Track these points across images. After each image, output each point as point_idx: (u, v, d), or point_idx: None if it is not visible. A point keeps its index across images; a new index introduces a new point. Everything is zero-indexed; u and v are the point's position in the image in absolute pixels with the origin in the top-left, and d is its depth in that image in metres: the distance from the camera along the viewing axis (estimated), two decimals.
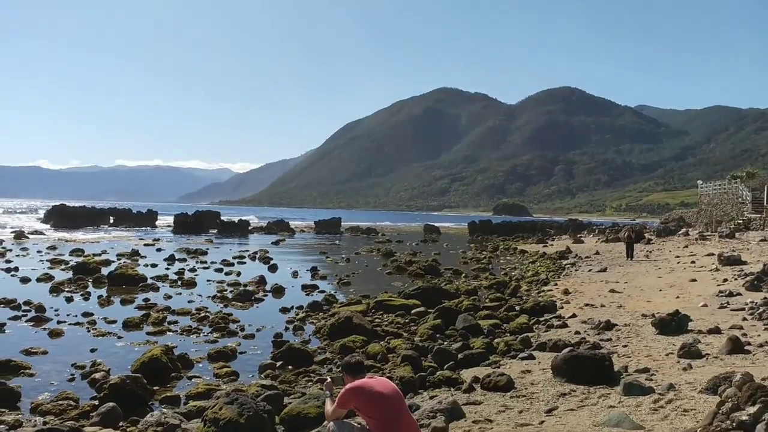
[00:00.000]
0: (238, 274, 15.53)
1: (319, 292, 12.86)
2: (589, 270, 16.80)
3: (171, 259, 18.57)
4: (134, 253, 20.22)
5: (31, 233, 30.40)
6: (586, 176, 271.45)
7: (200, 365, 6.82)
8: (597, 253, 22.73)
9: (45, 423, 4.64)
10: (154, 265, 16.93)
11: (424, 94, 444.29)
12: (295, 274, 16.14)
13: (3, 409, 5.03)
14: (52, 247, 22.33)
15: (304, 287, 13.42)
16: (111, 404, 4.79)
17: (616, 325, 8.32)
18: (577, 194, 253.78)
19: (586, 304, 10.49)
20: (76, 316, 9.33)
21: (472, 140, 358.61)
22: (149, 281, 13.16)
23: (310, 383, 6.11)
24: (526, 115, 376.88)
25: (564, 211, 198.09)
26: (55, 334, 8.10)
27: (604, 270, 16.27)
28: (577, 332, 8.08)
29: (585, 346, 6.88)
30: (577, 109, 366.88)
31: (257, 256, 21.16)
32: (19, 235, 28.11)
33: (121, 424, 4.65)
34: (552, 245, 30.86)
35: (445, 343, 7.58)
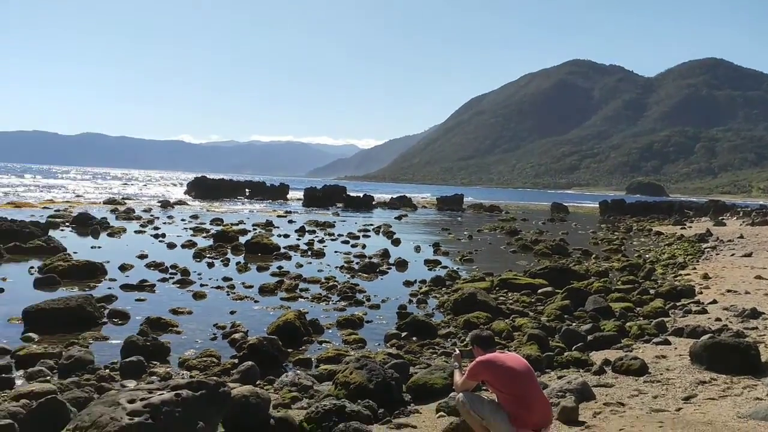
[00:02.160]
0: (364, 246, 15.90)
1: (441, 267, 12.90)
2: (732, 254, 15.65)
3: (301, 231, 19.34)
4: (268, 224, 21.24)
5: (176, 203, 32.70)
6: (730, 154, 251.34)
7: (330, 331, 7.09)
8: (741, 237, 21.11)
9: (191, 377, 5.04)
10: (286, 236, 17.71)
11: (555, 66, 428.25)
12: (417, 249, 16.28)
13: (155, 362, 5.51)
14: (194, 216, 23.92)
15: (426, 262, 13.51)
16: (250, 363, 5.11)
17: (763, 313, 7.71)
18: (720, 174, 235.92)
19: (728, 290, 9.79)
20: (216, 280, 9.97)
21: (605, 115, 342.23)
22: (282, 250, 13.78)
23: (434, 355, 6.18)
24: (665, 88, 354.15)
25: (704, 191, 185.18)
26: (198, 296, 8.71)
27: (750, 255, 15.09)
28: (718, 319, 7.58)
29: (727, 333, 6.45)
30: (723, 82, 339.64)
31: (381, 230, 21.54)
32: (165, 205, 30.37)
33: (258, 382, 4.94)
34: (690, 227, 29.03)
35: (574, 324, 7.37)
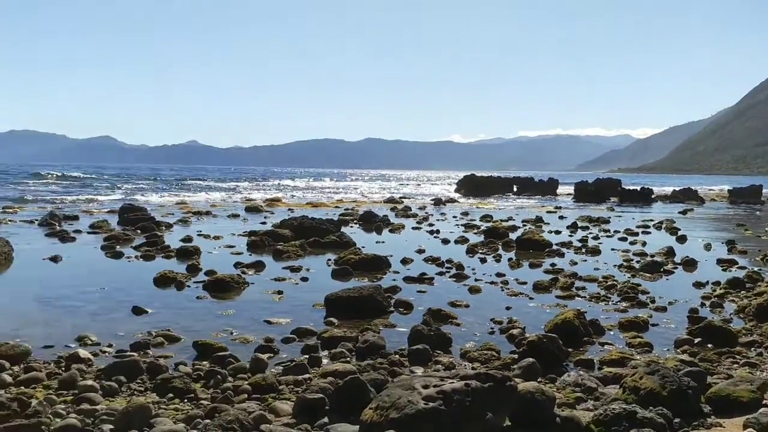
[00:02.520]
0: (644, 243, 14.88)
1: (738, 268, 11.50)
2: None
3: (573, 227, 18.79)
4: (538, 220, 21.03)
5: (447, 201, 34.05)
6: None
7: (611, 333, 6.77)
8: None
9: (473, 368, 5.22)
10: (557, 232, 17.36)
11: None
12: (707, 247, 14.75)
13: (439, 351, 5.81)
14: (465, 213, 24.68)
15: (719, 261, 12.15)
16: (531, 360, 5.11)
17: None
18: None
19: None
20: (490, 275, 10.16)
21: None
22: (554, 247, 13.53)
23: (735, 365, 5.54)
24: None
25: None
26: (474, 290, 8.96)
27: None
28: None
29: None
30: None
31: (663, 225, 19.94)
32: (438, 202, 31.81)
33: (539, 379, 4.91)
34: None
35: None
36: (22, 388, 4.70)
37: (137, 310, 7.31)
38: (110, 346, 5.89)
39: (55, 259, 11.14)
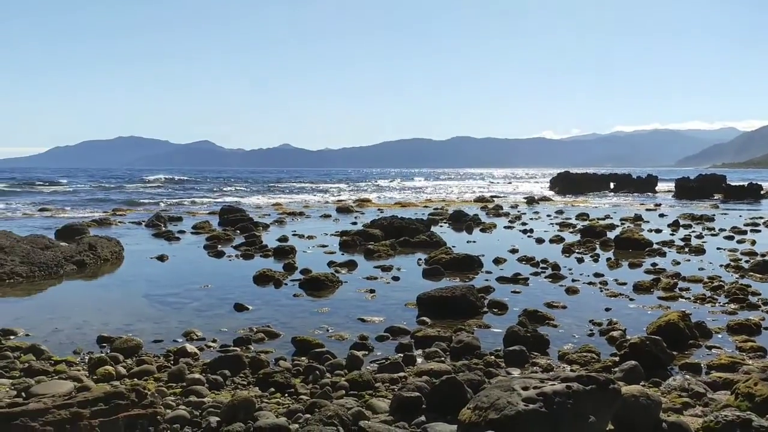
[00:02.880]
0: (753, 242, 14.01)
1: None
2: None
3: (675, 225, 17.95)
4: (637, 218, 20.24)
5: (540, 199, 33.34)
6: None
7: (719, 336, 6.42)
8: None
9: (572, 371, 5.08)
10: (657, 231, 16.64)
11: None
12: None
13: (535, 353, 5.70)
14: (560, 212, 24.09)
15: None
16: (633, 362, 4.92)
17: None
18: None
19: None
20: (587, 276, 9.86)
21: None
22: (655, 246, 12.98)
23: None
24: None
25: None
26: (571, 291, 8.72)
27: None
28: None
29: None
30: None
31: None
32: (531, 201, 31.20)
33: (642, 383, 4.73)
34: None
35: None
36: (135, 379, 5.00)
37: (239, 307, 7.60)
38: (214, 341, 6.16)
39: (161, 258, 11.76)
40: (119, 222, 19.27)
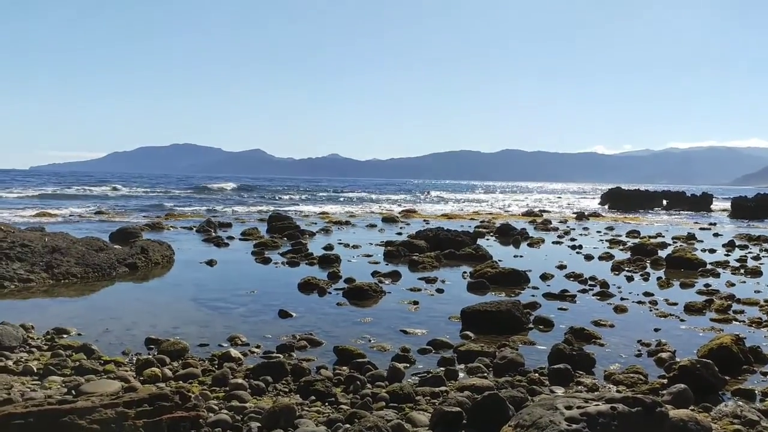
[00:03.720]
0: None
1: None
2: None
3: (730, 245, 17.37)
4: (690, 237, 19.67)
5: (590, 215, 32.73)
6: None
7: None
8: None
9: (618, 391, 4.96)
10: (711, 251, 16.12)
11: None
12: None
13: (580, 372, 5.58)
14: (610, 228, 23.60)
15: None
16: (682, 386, 4.77)
17: None
18: None
19: None
20: (637, 294, 9.62)
21: None
22: (708, 266, 12.58)
23: None
24: None
25: None
26: (619, 309, 8.52)
27: None
28: None
29: None
30: None
31: None
32: (580, 216, 30.67)
33: (692, 408, 4.58)
34: None
35: None
36: (180, 382, 5.09)
37: (283, 314, 7.68)
38: (258, 347, 6.23)
39: (210, 263, 11.99)
40: (171, 227, 19.73)
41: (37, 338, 6.18)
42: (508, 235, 19.05)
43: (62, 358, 5.45)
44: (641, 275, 11.71)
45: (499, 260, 12.76)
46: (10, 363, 5.31)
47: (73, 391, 4.56)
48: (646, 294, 9.64)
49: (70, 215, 23.72)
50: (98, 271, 10.16)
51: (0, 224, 12.61)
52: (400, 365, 5.45)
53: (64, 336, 6.35)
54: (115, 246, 12.25)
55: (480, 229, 20.68)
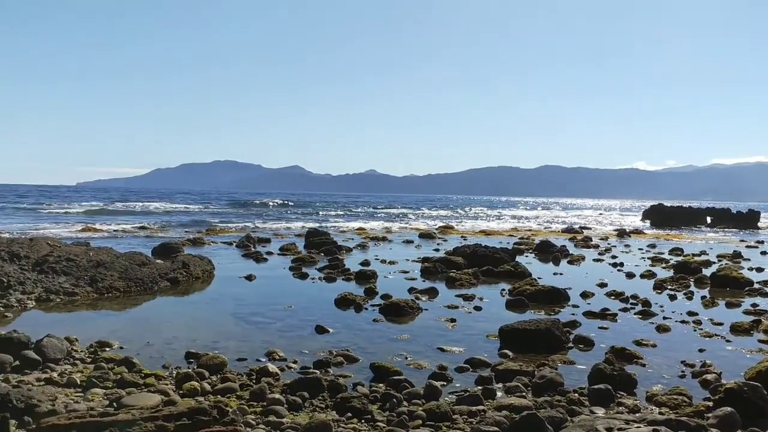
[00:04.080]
0: None
1: None
2: None
3: None
4: (736, 255, 19.14)
5: (632, 231, 32.13)
6: None
7: None
8: None
9: (660, 413, 4.82)
10: (759, 269, 15.65)
11: None
12: None
13: (622, 392, 5.45)
14: (652, 245, 23.12)
15: None
16: (729, 409, 4.62)
17: None
18: None
19: None
20: (680, 314, 9.39)
21: None
22: (756, 285, 12.22)
23: None
24: None
25: None
26: (662, 329, 8.32)
27: None
28: None
29: None
30: None
31: None
32: (621, 233, 30.13)
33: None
34: None
35: None
36: (219, 396, 5.14)
37: (320, 329, 7.71)
38: (295, 362, 6.26)
39: (249, 277, 12.13)
40: (212, 242, 20.04)
41: (81, 351, 6.32)
42: (547, 252, 18.83)
43: (104, 371, 5.56)
44: (685, 294, 11.43)
45: (539, 278, 12.60)
46: (54, 375, 5.45)
47: (114, 404, 4.65)
48: (690, 313, 9.39)
49: (115, 230, 24.29)
50: (140, 285, 10.37)
51: (47, 239, 12.99)
52: (437, 383, 5.41)
53: (107, 349, 6.48)
54: (158, 261, 12.48)
55: (519, 246, 20.48)
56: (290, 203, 64.65)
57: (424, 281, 12.33)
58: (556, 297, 10.31)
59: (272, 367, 5.85)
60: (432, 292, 10.81)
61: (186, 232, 24.72)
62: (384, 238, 23.56)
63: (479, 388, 5.47)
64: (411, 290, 10.96)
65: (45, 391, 4.89)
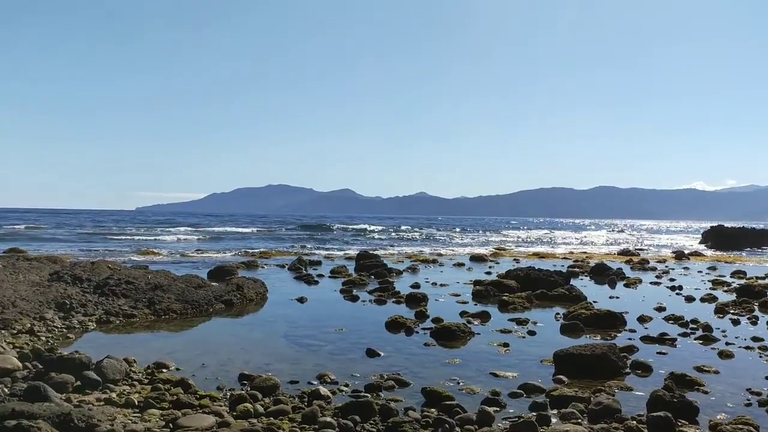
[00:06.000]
0: None
1: None
2: None
3: None
4: None
5: (691, 254, 31.15)
6: None
7: None
8: None
9: None
10: None
11: None
12: None
13: (682, 421, 5.26)
14: (712, 268, 22.36)
15: None
16: None
17: None
18: None
19: None
20: (744, 339, 9.02)
21: None
22: None
23: None
24: None
25: None
26: (724, 355, 8.01)
27: None
28: None
29: None
30: None
31: None
32: (680, 255, 29.22)
33: None
34: None
35: None
36: (271, 418, 5.19)
37: (371, 353, 7.71)
38: (347, 385, 6.27)
39: (300, 300, 12.25)
40: (265, 264, 20.34)
41: (139, 372, 6.47)
42: (603, 275, 18.41)
43: (161, 391, 5.68)
44: (748, 318, 10.98)
45: (594, 301, 12.32)
46: (113, 395, 5.59)
47: (170, 425, 4.74)
48: (755, 339, 9.01)
49: (172, 253, 24.92)
50: (196, 308, 10.58)
51: (108, 262, 13.43)
52: (490, 409, 5.33)
53: (164, 370, 6.62)
54: (213, 283, 12.74)
55: (573, 269, 20.09)
56: (340, 226, 65.14)
57: (475, 305, 12.21)
58: (613, 321, 10.04)
59: (324, 390, 5.87)
60: (484, 316, 10.69)
61: (240, 254, 25.17)
62: (434, 261, 23.47)
63: (533, 414, 5.36)
64: (463, 314, 10.86)
65: (105, 411, 5.02)
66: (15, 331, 8.09)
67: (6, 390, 5.42)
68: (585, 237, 57.62)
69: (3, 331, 7.93)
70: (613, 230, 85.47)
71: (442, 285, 15.33)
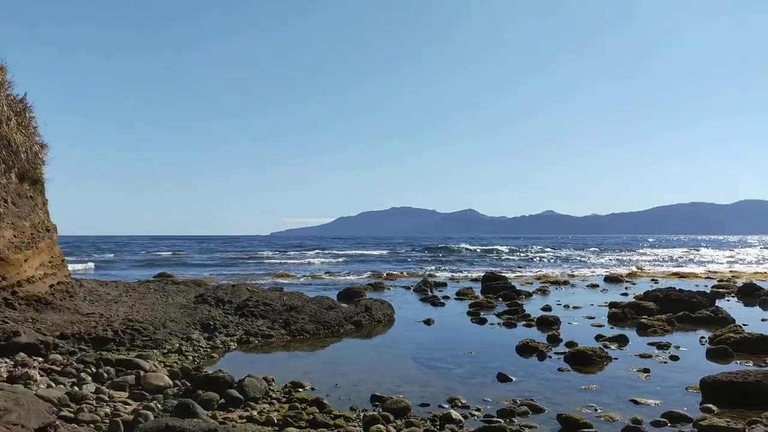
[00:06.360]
0: None
1: None
2: None
3: None
4: None
5: None
6: None
7: None
8: None
9: None
10: None
11: None
12: None
13: None
14: None
15: None
16: None
17: None
18: None
19: None
20: None
21: None
22: None
23: None
24: None
25: None
26: None
27: None
28: None
29: None
30: None
31: None
32: None
33: None
34: None
35: None
36: None
37: (502, 377, 7.56)
38: (478, 410, 6.18)
39: (427, 322, 12.27)
40: (391, 286, 20.61)
41: (277, 391, 6.75)
42: (752, 295, 16.99)
43: (298, 410, 5.89)
44: None
45: (744, 324, 11.38)
46: (254, 413, 5.86)
47: None
48: None
49: (304, 275, 25.89)
50: (328, 328, 10.90)
51: (246, 285, 14.18)
52: None
53: (300, 390, 6.86)
54: (342, 304, 13.08)
55: (718, 289, 18.70)
56: (465, 246, 64.72)
57: (612, 328, 11.66)
58: (766, 346, 9.21)
59: (455, 414, 5.83)
60: (622, 340, 10.17)
61: (367, 276, 25.68)
62: (566, 282, 22.72)
63: None
64: (598, 337, 10.41)
65: (247, 429, 5.27)
66: (165, 351, 8.71)
67: (159, 406, 5.83)
68: (737, 254, 53.37)
69: (155, 351, 8.56)
70: (762, 246, 78.62)
71: (575, 307, 14.79)
